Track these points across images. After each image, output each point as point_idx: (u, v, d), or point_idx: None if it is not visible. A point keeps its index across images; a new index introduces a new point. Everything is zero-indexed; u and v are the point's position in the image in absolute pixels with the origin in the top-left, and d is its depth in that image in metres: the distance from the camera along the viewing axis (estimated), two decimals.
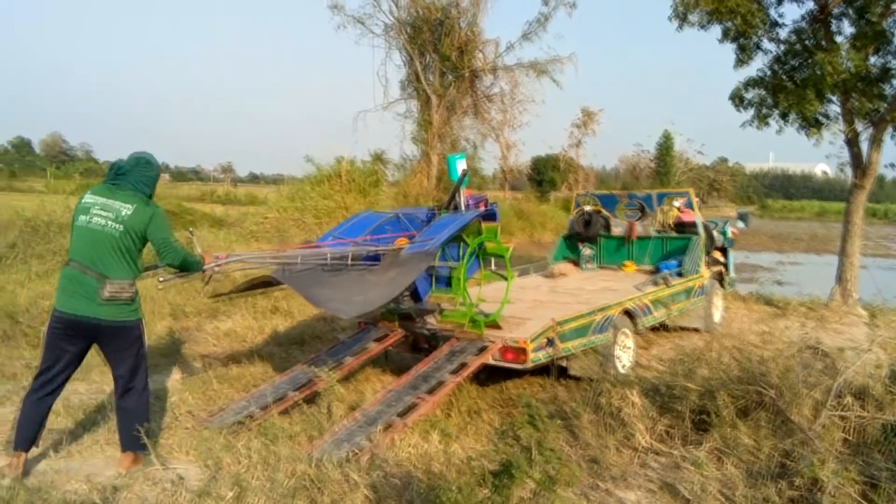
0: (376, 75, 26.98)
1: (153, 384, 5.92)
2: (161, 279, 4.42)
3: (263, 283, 5.60)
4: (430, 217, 6.57)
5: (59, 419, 4.85)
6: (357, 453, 4.15)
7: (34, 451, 4.13)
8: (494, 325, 5.62)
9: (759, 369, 4.25)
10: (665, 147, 49.35)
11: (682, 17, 9.32)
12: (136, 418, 4.05)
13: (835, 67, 8.30)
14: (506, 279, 6.09)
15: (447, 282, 6.13)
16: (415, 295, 6.21)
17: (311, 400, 5.22)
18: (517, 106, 26.58)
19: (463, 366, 5.29)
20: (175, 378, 6.28)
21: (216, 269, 4.47)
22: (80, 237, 3.96)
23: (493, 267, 6.37)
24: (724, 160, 65.63)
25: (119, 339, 4.02)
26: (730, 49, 9.89)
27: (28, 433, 3.95)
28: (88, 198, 4.03)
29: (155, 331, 7.64)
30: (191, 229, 4.80)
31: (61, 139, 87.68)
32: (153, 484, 3.80)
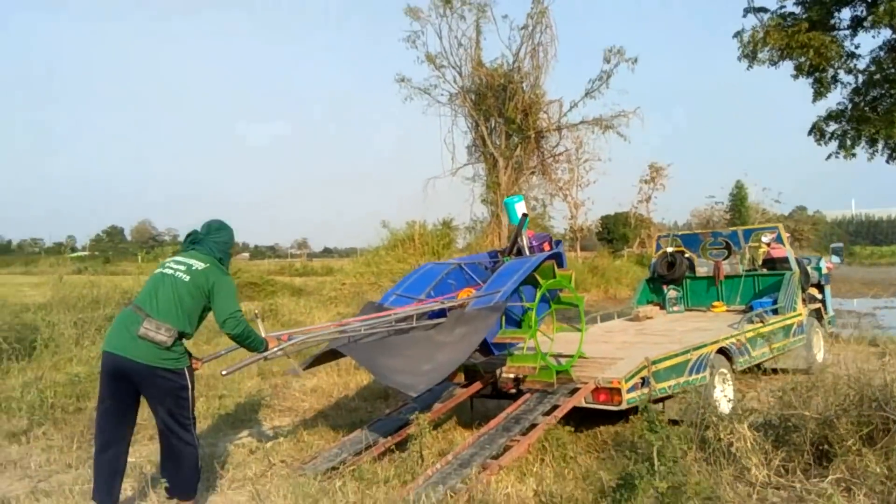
0: (444, 142, 27.59)
1: (245, 438, 6.03)
2: (224, 371, 4.39)
3: (329, 356, 5.44)
4: (494, 263, 6.46)
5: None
6: (454, 495, 4.03)
7: None
8: (566, 377, 5.35)
9: (883, 394, 3.92)
10: (739, 198, 47.94)
11: (751, 56, 9.21)
12: (183, 469, 3.95)
13: None
14: (579, 331, 5.90)
15: (518, 323, 5.87)
16: (484, 348, 5.86)
17: (402, 445, 5.15)
18: (583, 165, 26.69)
19: (555, 407, 5.13)
20: (265, 430, 6.33)
21: (279, 352, 4.41)
22: (148, 283, 4.06)
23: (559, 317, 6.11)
24: (802, 209, 63.23)
25: (157, 386, 3.87)
26: (802, 90, 9.68)
27: (102, 486, 3.89)
28: (168, 259, 4.17)
29: (244, 389, 7.79)
30: (256, 312, 4.73)
31: (150, 226, 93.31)
32: None
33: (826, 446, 3.85)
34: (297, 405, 7.39)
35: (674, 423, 5.41)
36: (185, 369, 3.99)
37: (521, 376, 5.52)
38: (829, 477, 3.64)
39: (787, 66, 9.77)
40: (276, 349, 4.33)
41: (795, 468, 3.87)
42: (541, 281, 5.54)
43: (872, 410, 3.82)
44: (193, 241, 4.22)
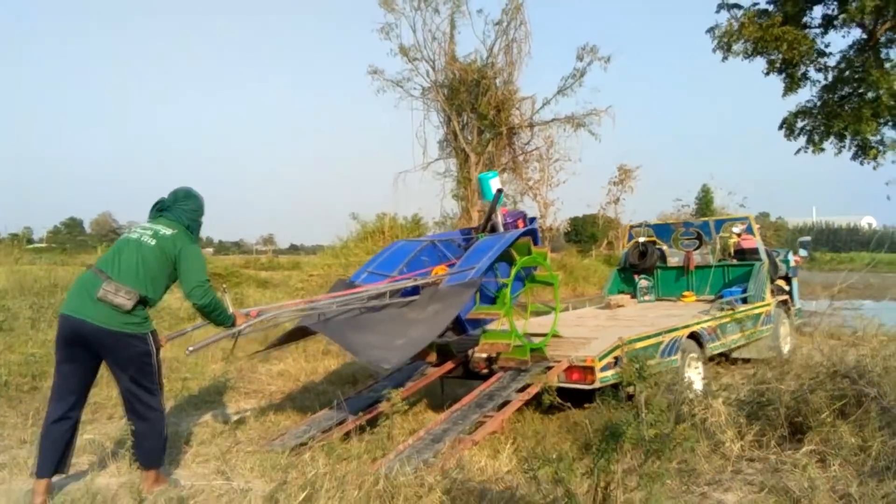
0: (415, 136, 27.46)
1: (210, 418, 5.84)
2: (189, 348, 4.09)
3: (299, 333, 5.25)
4: (468, 240, 6.36)
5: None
6: (426, 468, 3.93)
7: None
8: (540, 355, 5.30)
9: (857, 368, 3.95)
10: (705, 201, 48.77)
11: (725, 48, 9.30)
12: (148, 436, 3.76)
13: (890, 87, 8.11)
14: (551, 284, 5.82)
15: (492, 300, 5.74)
16: (458, 326, 5.85)
17: (373, 424, 5.03)
18: (554, 164, 26.78)
19: (528, 385, 5.06)
20: (231, 412, 6.15)
21: (247, 329, 4.23)
22: (112, 248, 3.90)
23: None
24: (765, 215, 64.41)
25: (118, 351, 3.70)
26: (771, 95, 9.83)
27: (48, 459, 3.68)
28: (135, 226, 4.01)
29: (208, 372, 7.59)
30: (224, 286, 4.52)
31: (111, 218, 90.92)
32: (218, 496, 3.64)
33: (800, 419, 3.85)
34: (263, 388, 7.22)
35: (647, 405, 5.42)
36: (149, 334, 3.81)
37: (494, 355, 5.44)
38: (804, 448, 3.65)
39: (759, 63, 9.91)
40: (244, 325, 4.14)
41: (770, 441, 3.87)
42: (516, 257, 5.46)
43: (846, 384, 3.84)
44: (161, 209, 4.05)
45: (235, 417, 5.82)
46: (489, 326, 5.60)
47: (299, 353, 8.79)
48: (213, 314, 3.92)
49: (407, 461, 4.02)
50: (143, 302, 3.77)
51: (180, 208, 4.04)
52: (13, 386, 6.45)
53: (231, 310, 4.13)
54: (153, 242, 3.80)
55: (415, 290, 5.42)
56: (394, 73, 23.84)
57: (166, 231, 3.88)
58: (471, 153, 23.32)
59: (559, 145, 24.66)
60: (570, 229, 42.72)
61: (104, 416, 5.78)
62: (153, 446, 3.78)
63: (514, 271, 5.39)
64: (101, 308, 3.63)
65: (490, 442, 4.78)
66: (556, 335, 5.46)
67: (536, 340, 5.49)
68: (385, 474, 3.62)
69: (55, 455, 3.69)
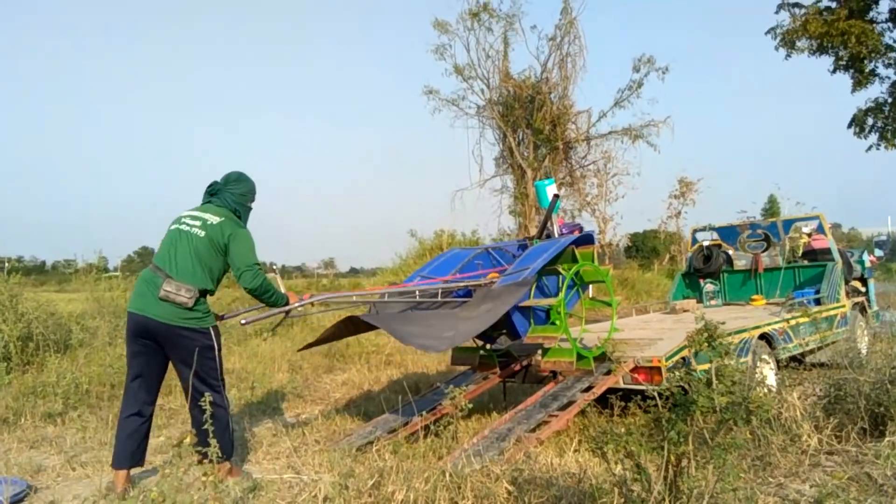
0: (471, 154, 27.54)
1: (278, 421, 5.98)
2: (243, 321, 4.21)
3: (350, 326, 5.09)
4: (523, 248, 6.31)
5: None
6: (492, 463, 3.92)
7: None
8: (601, 359, 5.17)
9: None
10: (771, 212, 47.13)
11: (789, 45, 9.05)
12: (213, 431, 3.63)
13: None
14: (609, 305, 5.69)
15: (546, 318, 5.52)
16: (511, 332, 5.66)
17: (437, 425, 5.06)
18: (612, 179, 26.43)
19: (593, 386, 5.00)
20: (298, 416, 6.28)
21: (300, 308, 4.23)
22: (164, 242, 3.93)
23: (590, 293, 5.82)
24: (837, 225, 61.87)
25: (181, 346, 3.78)
26: (840, 91, 9.49)
27: (125, 451, 3.78)
28: (182, 213, 4.04)
29: (275, 381, 7.77)
30: (275, 268, 4.53)
31: None
32: (290, 487, 3.72)
33: (881, 410, 3.68)
34: (327, 396, 7.35)
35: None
36: (211, 329, 3.88)
37: (559, 371, 5.36)
38: (887, 439, 3.48)
39: (825, 63, 9.60)
40: (297, 304, 4.15)
41: (849, 434, 3.71)
42: (564, 271, 5.30)
43: None
44: (212, 193, 4.10)
45: (303, 421, 5.94)
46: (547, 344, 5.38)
47: (362, 364, 8.94)
48: (265, 296, 3.93)
49: (473, 457, 4.04)
50: (203, 294, 3.85)
51: (230, 192, 4.08)
52: (94, 394, 6.76)
53: (283, 290, 4.14)
54: (203, 234, 3.85)
55: (468, 294, 5.39)
56: (448, 93, 24.07)
57: (213, 219, 3.91)
58: (527, 169, 23.25)
59: (617, 159, 24.36)
60: (630, 245, 41.93)
61: (178, 421, 5.99)
62: (219, 440, 3.70)
63: (574, 268, 5.27)
64: (165, 306, 3.72)
65: (556, 442, 4.74)
66: (604, 355, 5.25)
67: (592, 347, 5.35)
68: (451, 468, 3.65)
69: (131, 447, 3.80)
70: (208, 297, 3.94)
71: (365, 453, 4.43)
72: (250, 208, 4.22)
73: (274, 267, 4.61)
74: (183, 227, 3.91)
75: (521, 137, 23.69)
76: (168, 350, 3.84)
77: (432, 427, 4.94)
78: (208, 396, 3.70)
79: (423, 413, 5.13)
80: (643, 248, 43.73)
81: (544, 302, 5.22)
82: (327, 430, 5.54)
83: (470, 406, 4.96)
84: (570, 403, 4.82)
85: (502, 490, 3.26)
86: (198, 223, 3.89)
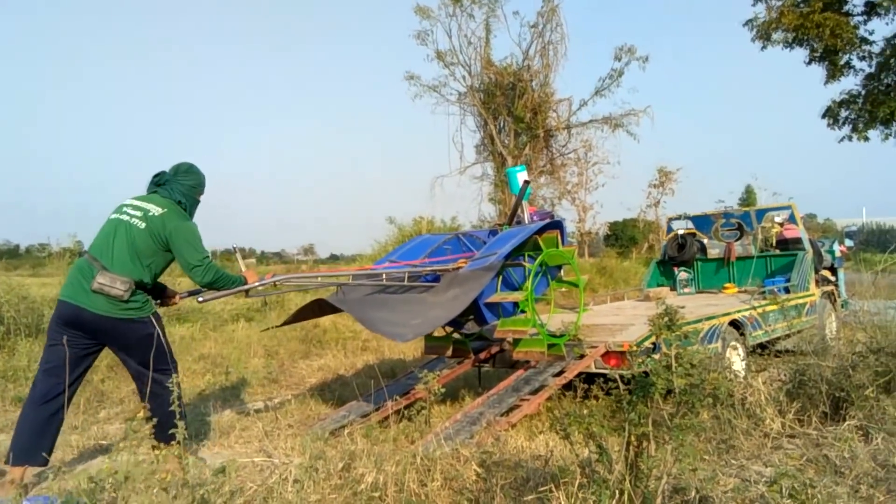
0: (452, 141, 27.57)
1: (252, 405, 5.99)
2: (200, 298, 4.10)
3: (317, 308, 5.08)
4: (493, 235, 6.31)
5: None
6: (463, 447, 3.96)
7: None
8: (557, 353, 5.16)
9: None
10: (748, 203, 47.73)
11: (765, 37, 9.14)
12: (164, 414, 3.55)
13: None
14: (576, 286, 5.67)
15: (514, 309, 5.52)
16: (479, 318, 5.65)
17: (410, 409, 5.09)
18: (592, 167, 26.58)
19: (565, 370, 5.06)
20: (272, 401, 6.29)
21: (260, 287, 4.14)
22: (102, 231, 3.76)
23: (562, 274, 5.84)
24: (812, 216, 62.69)
25: (122, 337, 3.66)
26: (816, 84, 9.60)
27: (29, 445, 3.50)
28: (125, 200, 3.86)
29: (250, 366, 7.76)
30: (234, 246, 4.46)
31: None
32: (260, 470, 3.73)
33: (843, 394, 3.77)
34: (302, 381, 7.36)
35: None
36: (150, 316, 3.75)
37: (510, 340, 5.40)
38: (846, 423, 3.57)
39: (801, 55, 9.71)
40: (257, 283, 4.06)
41: (811, 418, 3.80)
42: (544, 248, 5.34)
43: (889, 358, 3.75)
44: (159, 183, 3.91)
45: (276, 405, 5.95)
46: (511, 320, 5.39)
47: (339, 349, 8.95)
48: (223, 287, 3.86)
49: (444, 441, 4.08)
50: (141, 286, 3.71)
51: (178, 182, 3.91)
52: None
53: (243, 268, 4.09)
54: (143, 226, 3.68)
55: (436, 279, 5.37)
56: (430, 79, 24.05)
57: (156, 210, 3.73)
58: (508, 156, 23.31)
59: (597, 148, 24.53)
60: (609, 233, 42.23)
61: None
62: (170, 423, 3.58)
63: (539, 258, 5.27)
64: (99, 298, 3.57)
65: (527, 425, 4.80)
66: (576, 336, 5.31)
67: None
68: (422, 451, 3.69)
69: (41, 439, 3.54)
70: (147, 289, 3.78)
71: (337, 437, 4.46)
72: (198, 202, 4.07)
73: (234, 246, 4.52)
74: (123, 216, 3.74)
75: (501, 125, 23.74)
76: (108, 342, 3.71)
77: (405, 412, 4.97)
78: (157, 380, 3.64)
79: (397, 397, 5.16)
80: (622, 236, 44.06)
81: (511, 297, 5.21)
82: (301, 415, 5.55)
83: (443, 390, 4.99)
84: (541, 388, 4.88)
85: (471, 472, 3.31)
86: (139, 214, 3.73)
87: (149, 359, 3.66)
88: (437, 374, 5.12)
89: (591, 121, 23.73)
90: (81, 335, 3.64)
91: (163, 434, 3.37)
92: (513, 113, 22.95)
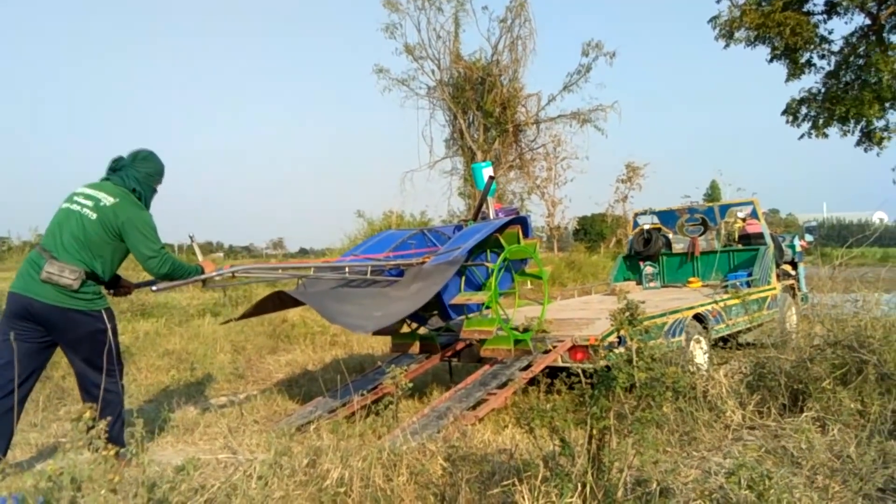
0: (421, 135, 27.50)
1: (218, 402, 5.91)
2: (154, 287, 3.99)
3: (277, 301, 5.02)
4: (459, 230, 6.31)
5: None
6: (430, 441, 3.97)
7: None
8: (524, 348, 5.17)
9: (857, 337, 3.96)
10: (713, 198, 48.59)
11: (727, 36, 9.30)
12: (105, 418, 3.48)
13: (892, 69, 8.10)
14: (539, 278, 5.66)
15: (479, 288, 5.56)
16: (442, 314, 5.70)
17: (378, 405, 5.08)
18: (561, 162, 26.75)
19: (531, 364, 5.09)
20: (238, 397, 6.23)
21: (217, 277, 4.09)
22: (53, 221, 3.65)
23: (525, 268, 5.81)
24: (775, 211, 64.06)
25: (70, 330, 3.52)
26: (779, 82, 9.80)
27: None
28: (77, 189, 3.72)
29: (216, 362, 7.67)
30: (191, 234, 4.34)
31: None
32: (224, 467, 3.69)
33: (801, 387, 3.86)
34: (269, 377, 7.30)
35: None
36: (103, 311, 3.62)
37: (477, 341, 5.39)
38: (804, 415, 3.66)
39: (763, 52, 9.90)
40: (214, 273, 3.99)
41: (771, 409, 3.89)
42: (505, 246, 5.31)
43: (846, 353, 3.85)
44: (114, 170, 3.78)
45: (242, 400, 5.89)
46: (472, 316, 5.49)
47: (307, 344, 8.88)
48: (177, 276, 3.78)
49: (411, 436, 4.08)
50: (94, 277, 3.59)
51: (135, 169, 3.77)
52: None
53: (201, 258, 4.00)
54: (94, 216, 3.56)
55: (400, 274, 5.35)
56: (399, 72, 23.93)
57: (108, 200, 3.60)
58: (477, 151, 23.34)
59: (566, 143, 24.69)
60: (578, 228, 42.62)
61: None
62: (111, 430, 3.34)
63: (501, 257, 5.24)
64: (48, 288, 3.46)
65: (494, 419, 4.82)
66: (543, 330, 5.35)
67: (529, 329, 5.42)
68: (388, 446, 3.68)
69: None
70: (100, 282, 3.66)
71: (304, 433, 4.43)
72: (155, 191, 3.94)
73: (191, 235, 4.41)
74: (73, 206, 3.61)
75: (471, 119, 23.75)
76: (56, 335, 3.57)
77: (373, 407, 4.96)
78: (100, 383, 3.50)
79: (364, 392, 5.14)
80: (591, 231, 44.45)
81: (476, 299, 5.21)
82: (267, 411, 5.51)
83: (411, 385, 4.98)
84: (508, 381, 4.90)
85: (437, 467, 3.31)
86: (90, 203, 3.59)
87: (95, 357, 3.55)
88: (404, 368, 5.13)
89: (559, 116, 23.87)
90: (33, 328, 3.52)
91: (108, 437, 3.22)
92: (482, 107, 22.96)
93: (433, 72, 23.75)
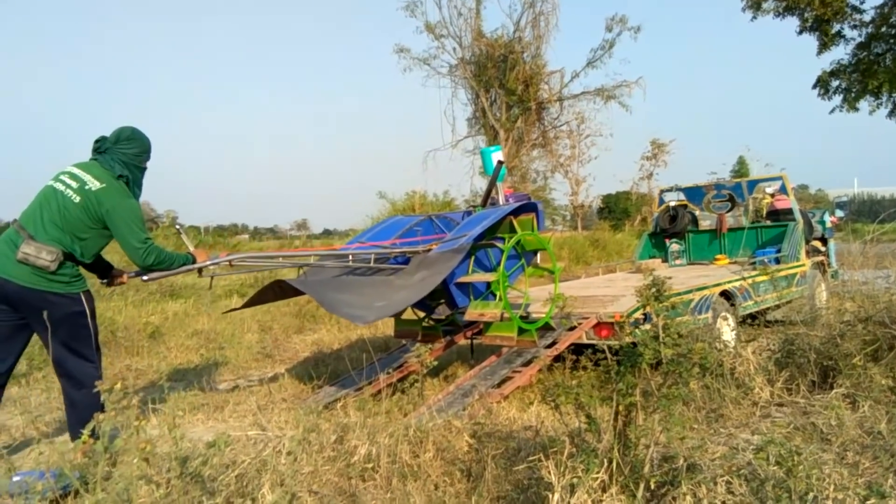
0: (443, 114, 27.41)
1: (246, 380, 6.02)
2: (145, 277, 3.81)
3: (278, 290, 4.89)
4: (466, 216, 6.22)
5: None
6: (456, 419, 4.00)
7: None
8: (529, 339, 5.02)
9: (889, 312, 3.89)
10: (740, 174, 47.76)
11: (755, 6, 9.07)
12: (82, 407, 3.42)
13: None
14: (552, 272, 5.56)
15: (485, 290, 5.43)
16: (450, 302, 5.59)
17: (403, 381, 5.12)
18: (585, 140, 26.46)
19: (556, 341, 5.08)
20: (266, 375, 6.32)
21: (212, 267, 4.01)
22: (35, 199, 3.51)
23: (538, 260, 5.67)
24: (805, 187, 62.80)
25: (44, 311, 3.30)
26: (809, 55, 9.53)
27: None
28: (65, 167, 3.57)
29: (244, 341, 7.78)
30: (178, 224, 4.18)
31: (150, 207, 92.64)
32: (254, 443, 3.75)
33: (831, 363, 3.81)
34: (296, 356, 7.39)
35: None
36: (81, 294, 3.49)
37: (481, 323, 5.23)
38: (834, 391, 3.62)
39: (792, 24, 9.66)
40: (208, 262, 3.91)
41: (800, 386, 3.85)
42: (518, 230, 5.21)
43: (878, 327, 3.79)
44: (99, 150, 3.61)
45: (270, 379, 5.99)
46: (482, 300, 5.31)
47: (332, 324, 8.97)
48: (169, 268, 3.69)
49: (437, 413, 4.11)
50: (72, 259, 3.46)
51: (119, 151, 3.60)
52: None
53: (191, 248, 3.89)
54: (77, 199, 3.42)
55: (405, 261, 5.22)
56: (420, 51, 23.77)
57: (93, 185, 3.46)
58: (500, 130, 23.18)
59: (590, 120, 24.40)
60: (602, 206, 42.27)
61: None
62: (86, 418, 3.07)
63: (514, 239, 5.12)
64: (23, 269, 3.33)
65: (519, 396, 4.84)
66: (548, 325, 5.22)
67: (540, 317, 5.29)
68: (415, 423, 3.72)
69: None
70: (79, 264, 3.55)
71: (331, 410, 4.49)
72: (144, 169, 3.78)
73: (177, 222, 4.34)
74: (58, 185, 3.48)
75: (493, 97, 23.56)
76: (30, 318, 3.42)
77: (399, 385, 5.00)
78: (79, 368, 3.41)
79: (390, 371, 5.18)
80: (615, 209, 44.06)
81: (483, 278, 5.09)
82: (294, 389, 5.58)
83: (435, 363, 5.01)
84: (533, 359, 4.90)
85: (463, 443, 3.34)
86: (74, 185, 3.46)
87: (72, 341, 3.46)
88: (429, 346, 5.15)
89: (583, 93, 23.59)
90: (8, 310, 3.41)
91: (81, 425, 3.02)
92: (504, 85, 22.76)
93: (454, 50, 23.60)
